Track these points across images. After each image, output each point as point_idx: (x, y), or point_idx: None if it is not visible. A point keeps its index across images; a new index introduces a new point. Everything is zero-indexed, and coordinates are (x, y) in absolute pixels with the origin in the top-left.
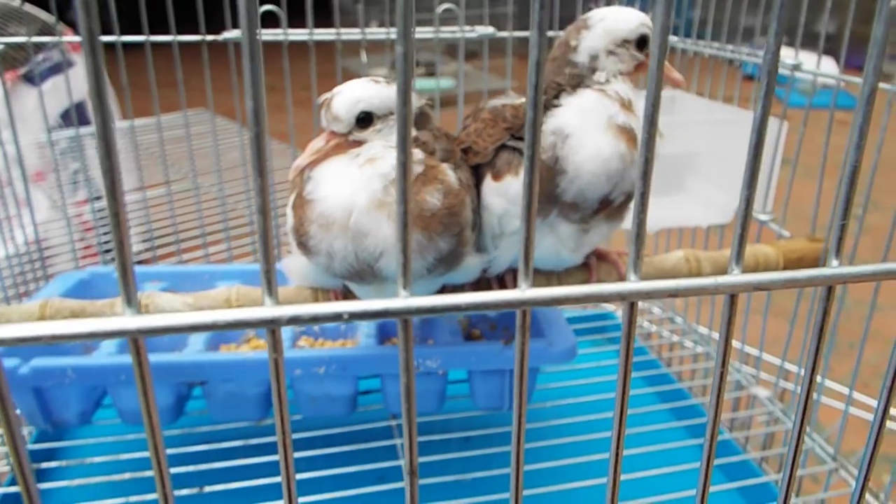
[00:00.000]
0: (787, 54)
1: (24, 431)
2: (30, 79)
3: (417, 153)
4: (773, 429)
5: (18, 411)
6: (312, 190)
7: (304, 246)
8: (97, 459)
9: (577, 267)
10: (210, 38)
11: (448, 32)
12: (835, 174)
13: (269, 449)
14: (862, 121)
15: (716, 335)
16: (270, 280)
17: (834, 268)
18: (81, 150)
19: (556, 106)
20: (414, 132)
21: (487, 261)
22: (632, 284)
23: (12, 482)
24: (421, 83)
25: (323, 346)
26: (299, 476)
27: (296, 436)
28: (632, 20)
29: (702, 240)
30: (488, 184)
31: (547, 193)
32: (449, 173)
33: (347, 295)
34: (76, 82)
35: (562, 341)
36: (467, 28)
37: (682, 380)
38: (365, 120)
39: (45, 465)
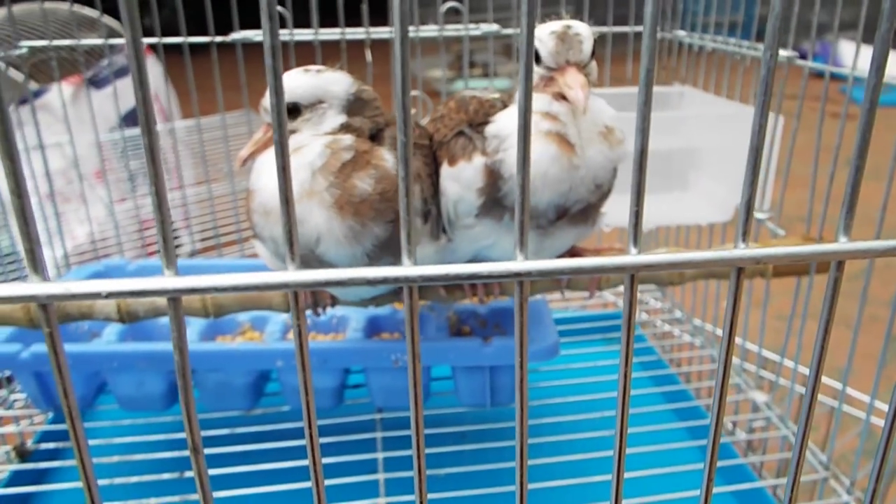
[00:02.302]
0: (849, 50)
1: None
2: (94, 83)
3: (346, 139)
4: (768, 434)
5: (25, 394)
6: (254, 180)
7: (255, 233)
8: (93, 442)
9: None
10: (219, 38)
11: (452, 30)
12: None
13: (253, 438)
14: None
15: (712, 329)
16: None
17: (841, 243)
18: (141, 150)
19: (489, 122)
20: (344, 118)
21: (447, 253)
22: (632, 257)
23: (9, 483)
24: (475, 83)
25: (314, 339)
26: (283, 465)
27: (282, 426)
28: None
29: (700, 237)
30: (444, 169)
31: (494, 198)
32: (386, 157)
33: None
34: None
35: (543, 339)
36: (472, 26)
37: (689, 380)
38: (293, 111)
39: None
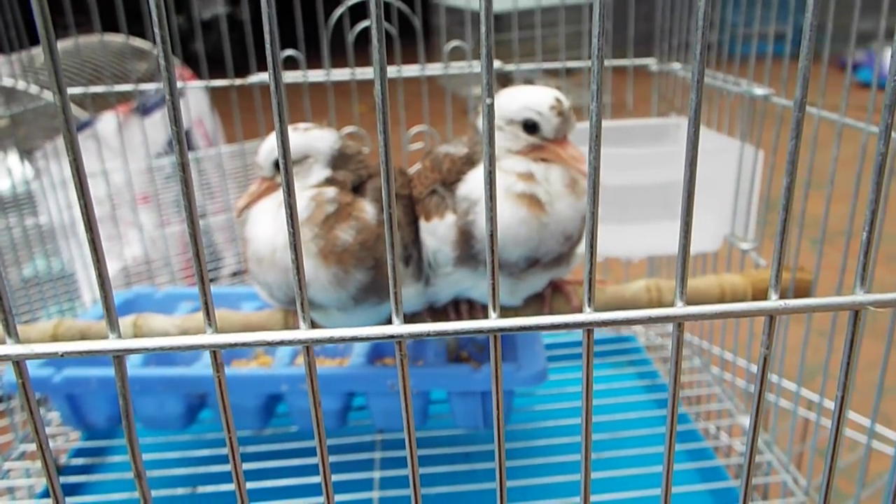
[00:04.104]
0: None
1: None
2: (140, 110)
3: (329, 191)
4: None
5: (58, 414)
6: (248, 230)
7: (252, 278)
8: (116, 459)
9: (533, 297)
10: (238, 81)
11: (457, 69)
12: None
13: (263, 456)
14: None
15: (709, 347)
16: (208, 308)
17: (772, 301)
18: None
19: (462, 181)
20: (329, 172)
21: (431, 293)
22: (587, 315)
23: (44, 495)
24: None
25: (322, 363)
26: (288, 482)
27: (289, 445)
28: (516, 102)
29: (693, 266)
30: (422, 223)
31: (468, 254)
32: (367, 209)
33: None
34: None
35: (532, 365)
36: (475, 62)
37: (689, 403)
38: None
39: (88, 460)
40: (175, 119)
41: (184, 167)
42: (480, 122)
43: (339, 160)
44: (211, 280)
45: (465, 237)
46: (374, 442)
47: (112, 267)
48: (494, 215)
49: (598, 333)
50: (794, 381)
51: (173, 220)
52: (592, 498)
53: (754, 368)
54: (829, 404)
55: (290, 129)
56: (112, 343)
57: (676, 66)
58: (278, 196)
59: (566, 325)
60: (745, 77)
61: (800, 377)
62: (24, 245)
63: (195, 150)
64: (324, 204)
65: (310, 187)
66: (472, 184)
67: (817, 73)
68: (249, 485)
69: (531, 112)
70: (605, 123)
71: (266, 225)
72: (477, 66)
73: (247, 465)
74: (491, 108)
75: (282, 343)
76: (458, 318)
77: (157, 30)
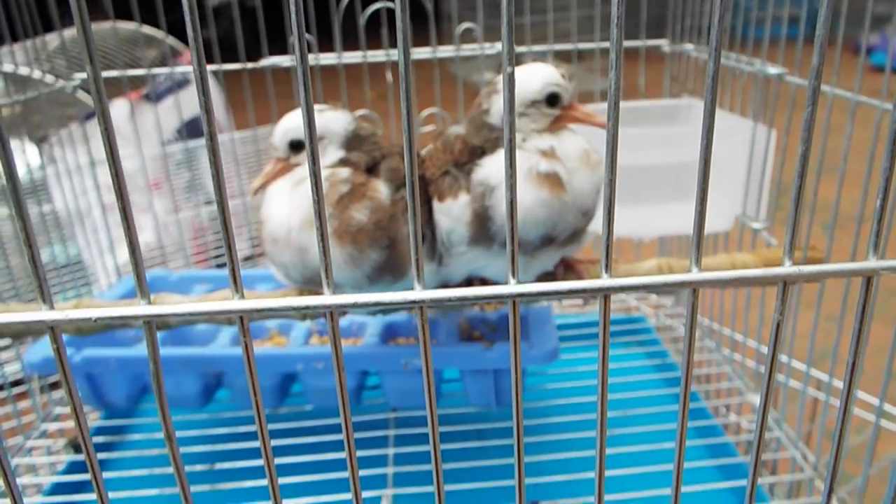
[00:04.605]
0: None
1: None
2: (150, 97)
3: (343, 172)
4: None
5: (78, 394)
6: (263, 211)
7: (268, 258)
8: (135, 437)
9: (546, 275)
10: (251, 65)
11: (468, 51)
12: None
13: (278, 434)
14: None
15: (719, 328)
16: (235, 276)
17: (786, 267)
18: (192, 161)
19: (478, 166)
20: (343, 153)
21: (444, 272)
22: (605, 281)
23: (66, 471)
24: None
25: None
26: (306, 458)
27: (305, 423)
28: (536, 81)
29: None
30: (435, 203)
31: (483, 235)
32: (381, 189)
33: None
34: (189, 100)
35: (543, 344)
36: (487, 45)
37: (698, 381)
38: (297, 146)
39: (108, 438)
40: (204, 98)
41: (212, 136)
42: (494, 110)
43: (353, 141)
44: (222, 265)
45: (480, 219)
46: (388, 420)
47: (124, 253)
48: (514, 189)
49: (612, 314)
50: (804, 363)
51: (184, 206)
52: (616, 472)
53: (764, 349)
54: (839, 384)
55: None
56: (143, 309)
57: (689, 46)
58: (293, 176)
59: (584, 291)
60: (758, 57)
61: (809, 357)
62: (40, 231)
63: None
64: (338, 184)
65: (324, 168)
66: (490, 169)
67: (832, 54)
68: (258, 462)
69: (553, 86)
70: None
71: (281, 205)
72: (488, 49)
73: (257, 444)
74: (512, 76)
75: (307, 308)
76: None
77: (187, 16)
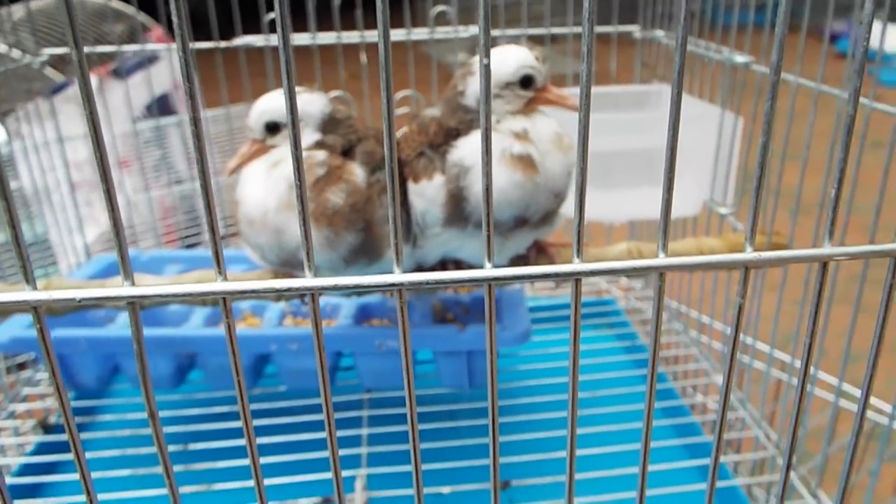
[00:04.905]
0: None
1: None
2: (118, 73)
3: (319, 155)
4: (730, 414)
5: (47, 375)
6: (239, 192)
7: (243, 240)
8: (107, 417)
9: (518, 258)
10: (224, 44)
11: (442, 33)
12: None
13: (252, 415)
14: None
15: (686, 310)
16: (218, 258)
17: (747, 253)
18: (162, 140)
19: (453, 147)
20: (319, 136)
21: (420, 254)
22: (576, 266)
23: (35, 452)
24: None
25: (308, 325)
26: (280, 438)
27: (279, 404)
28: (510, 63)
29: (674, 230)
30: (410, 185)
31: (458, 215)
32: (357, 172)
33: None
34: (159, 77)
35: (515, 326)
36: (461, 28)
37: (666, 363)
38: (273, 128)
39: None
40: (188, 77)
41: (196, 122)
42: (469, 91)
43: (329, 124)
44: (195, 244)
45: (455, 200)
46: (362, 401)
47: (91, 233)
48: (490, 176)
49: (582, 297)
50: (768, 345)
51: (153, 185)
52: (583, 451)
53: (729, 329)
54: (822, 375)
55: (279, 92)
56: (127, 290)
57: (660, 33)
58: (269, 158)
59: (556, 275)
60: (726, 45)
61: (773, 339)
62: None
63: (175, 114)
64: (314, 167)
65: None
66: (465, 150)
67: (795, 42)
68: (240, 442)
69: (527, 68)
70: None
71: (257, 187)
72: (462, 32)
73: (236, 424)
74: (488, 67)
75: (289, 290)
76: None
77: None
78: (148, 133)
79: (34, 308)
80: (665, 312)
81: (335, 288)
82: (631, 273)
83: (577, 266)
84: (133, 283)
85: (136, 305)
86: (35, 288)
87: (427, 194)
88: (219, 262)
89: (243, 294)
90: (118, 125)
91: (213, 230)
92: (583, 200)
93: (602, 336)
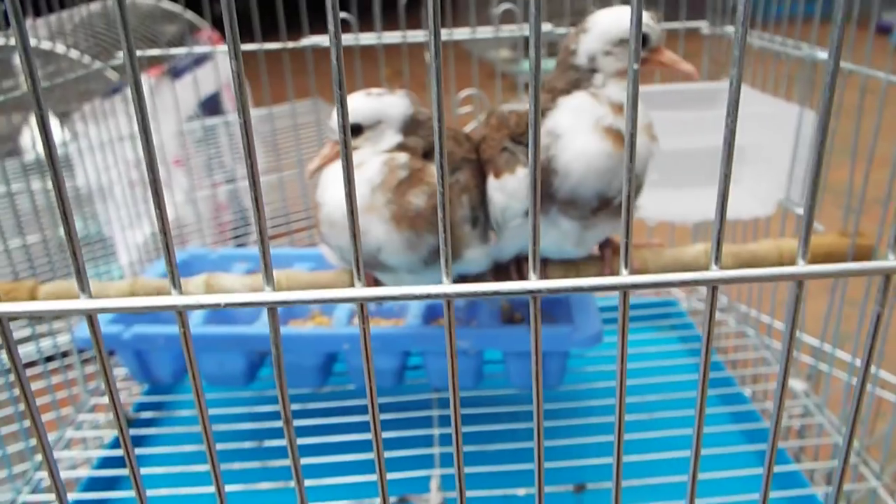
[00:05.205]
0: None
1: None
2: (173, 73)
3: (401, 157)
4: (805, 420)
5: (126, 370)
6: (320, 194)
7: (323, 241)
8: (181, 413)
9: (593, 257)
10: (291, 44)
11: (507, 31)
12: None
13: (322, 413)
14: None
15: (757, 315)
16: (267, 267)
17: (800, 266)
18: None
19: (551, 109)
20: (401, 138)
21: (495, 250)
22: (623, 278)
23: (113, 445)
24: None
25: (378, 324)
26: (348, 437)
27: (348, 402)
28: (626, 20)
29: (745, 231)
30: (491, 181)
31: (543, 192)
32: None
33: (377, 280)
34: (208, 77)
35: (587, 327)
36: (503, 27)
37: (734, 367)
38: (355, 130)
39: (153, 414)
40: (240, 90)
41: (246, 125)
42: (581, 49)
43: (410, 126)
44: (241, 245)
45: (543, 174)
46: (432, 400)
47: (143, 232)
48: (538, 175)
49: (644, 297)
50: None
51: (204, 183)
52: (648, 456)
53: (807, 338)
54: (883, 374)
55: (363, 94)
56: (175, 299)
57: (729, 29)
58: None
59: (603, 287)
60: (791, 37)
61: (854, 348)
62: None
63: (224, 113)
64: (396, 169)
65: (382, 152)
66: (559, 117)
67: (864, 36)
68: (308, 440)
69: (644, 26)
70: (656, 87)
71: (338, 189)
72: (504, 31)
73: (306, 422)
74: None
75: (335, 300)
76: (520, 277)
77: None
78: (198, 133)
79: (89, 316)
80: (732, 316)
81: (381, 299)
82: (681, 286)
83: (623, 279)
84: (181, 293)
85: (183, 315)
86: (90, 296)
87: (508, 187)
88: (266, 270)
89: (289, 303)
90: (169, 125)
91: (262, 239)
92: (630, 210)
93: (665, 338)
